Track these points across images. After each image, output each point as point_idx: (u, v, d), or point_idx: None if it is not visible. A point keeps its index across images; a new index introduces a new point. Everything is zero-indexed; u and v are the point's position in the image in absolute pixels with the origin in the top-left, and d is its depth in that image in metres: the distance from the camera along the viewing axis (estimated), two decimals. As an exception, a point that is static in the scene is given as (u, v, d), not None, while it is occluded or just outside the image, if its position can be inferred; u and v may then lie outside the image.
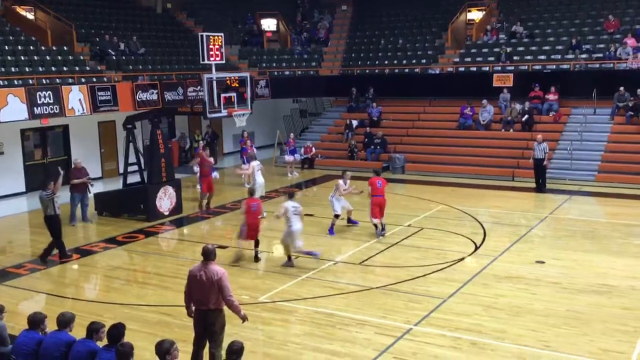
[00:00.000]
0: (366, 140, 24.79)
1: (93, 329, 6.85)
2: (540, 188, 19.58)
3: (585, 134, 22.22)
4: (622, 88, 22.45)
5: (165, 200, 16.99)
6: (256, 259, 13.03)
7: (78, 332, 7.00)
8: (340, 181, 15.32)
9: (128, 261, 13.72)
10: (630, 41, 23.63)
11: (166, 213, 16.95)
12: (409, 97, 26.55)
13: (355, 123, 25.82)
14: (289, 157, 23.34)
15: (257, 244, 13.16)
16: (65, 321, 7.00)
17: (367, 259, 13.03)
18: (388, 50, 28.74)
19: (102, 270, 13.10)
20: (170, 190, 17.12)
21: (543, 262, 12.52)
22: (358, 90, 27.24)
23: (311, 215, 16.35)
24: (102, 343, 6.74)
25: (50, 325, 7.17)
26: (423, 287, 11.17)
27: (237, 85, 17.59)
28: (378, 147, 24.36)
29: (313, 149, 24.83)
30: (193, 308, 7.91)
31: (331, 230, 15.07)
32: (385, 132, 24.99)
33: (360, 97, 27.23)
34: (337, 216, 15.15)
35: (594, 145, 21.80)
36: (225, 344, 6.50)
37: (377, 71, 27.83)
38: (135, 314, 9.93)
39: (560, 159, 21.66)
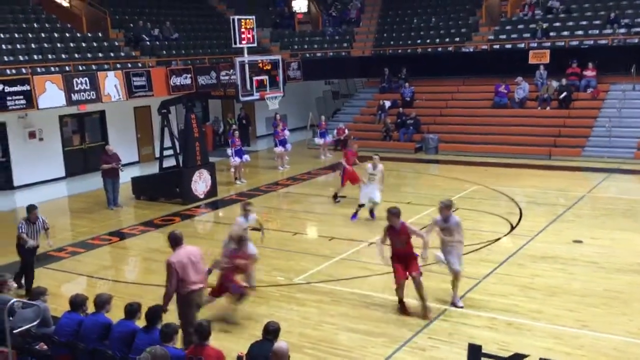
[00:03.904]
0: (399, 120, 24.62)
1: (133, 310, 7.02)
2: None
3: (624, 111, 21.69)
4: (662, 63, 21.81)
5: (200, 183, 17.20)
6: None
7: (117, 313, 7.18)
8: (369, 164, 14.65)
9: (165, 244, 13.87)
10: (672, 14, 22.89)
11: (201, 196, 17.17)
12: (442, 76, 26.23)
13: (388, 104, 25.64)
14: (319, 140, 23.33)
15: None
16: (101, 302, 7.19)
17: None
18: (421, 29, 28.39)
19: (141, 252, 13.37)
20: (205, 173, 17.32)
21: (580, 242, 12.35)
22: (390, 71, 27.01)
23: (344, 197, 16.36)
24: (140, 323, 6.91)
25: (92, 307, 7.37)
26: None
27: (269, 68, 17.62)
28: (411, 127, 24.19)
29: (346, 130, 24.75)
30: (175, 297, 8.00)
31: (354, 216, 14.64)
32: (418, 112, 24.77)
33: (393, 78, 27.00)
34: (360, 206, 14.57)
35: (633, 122, 21.26)
36: (260, 325, 6.60)
37: (409, 51, 27.51)
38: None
39: (599, 136, 21.21)
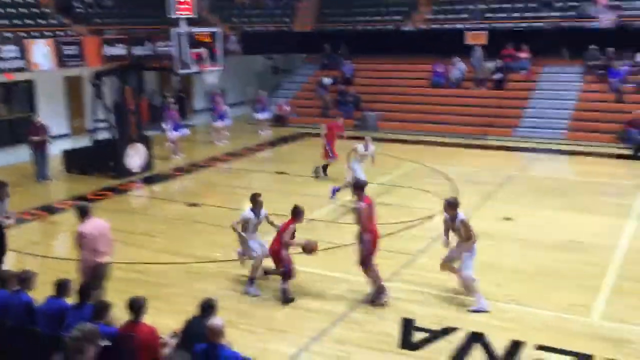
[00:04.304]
0: (339, 98, 24.65)
1: (62, 287, 6.79)
2: None
3: (555, 93, 22.40)
4: (592, 47, 22.58)
5: (135, 157, 16.77)
6: None
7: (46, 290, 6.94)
8: (360, 145, 14.22)
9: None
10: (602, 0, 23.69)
11: (136, 170, 16.75)
12: (382, 54, 26.36)
13: (328, 81, 25.61)
14: (260, 115, 23.12)
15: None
16: (22, 280, 6.92)
17: (338, 216, 13.09)
18: (362, 7, 28.38)
19: (72, 227, 12.89)
20: (140, 147, 16.88)
21: (511, 219, 12.71)
22: (331, 48, 26.95)
23: (283, 173, 16.31)
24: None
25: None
26: (393, 243, 11.26)
27: (207, 40, 17.23)
28: (351, 104, 24.26)
29: (285, 106, 24.62)
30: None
31: (334, 193, 14.18)
32: (359, 89, 24.87)
33: (334, 54, 26.95)
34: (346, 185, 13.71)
35: (564, 103, 22.01)
36: (196, 301, 6.51)
37: (350, 28, 27.50)
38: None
39: (531, 117, 21.86)
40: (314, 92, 25.75)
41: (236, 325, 8.07)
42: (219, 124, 20.99)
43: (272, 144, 21.50)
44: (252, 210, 9.53)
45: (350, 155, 14.29)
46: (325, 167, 16.26)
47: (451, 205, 8.83)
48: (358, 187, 9.26)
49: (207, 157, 19.05)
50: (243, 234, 9.47)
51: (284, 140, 22.13)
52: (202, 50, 16.90)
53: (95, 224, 8.16)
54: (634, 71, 21.80)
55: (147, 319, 6.25)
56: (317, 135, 22.52)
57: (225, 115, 21.13)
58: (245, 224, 9.49)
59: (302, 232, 12.02)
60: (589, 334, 8.07)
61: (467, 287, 8.82)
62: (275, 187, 15.65)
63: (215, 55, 17.41)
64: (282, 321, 8.51)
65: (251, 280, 9.43)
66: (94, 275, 7.95)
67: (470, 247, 8.74)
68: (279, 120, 24.32)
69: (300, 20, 28.84)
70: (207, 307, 6.36)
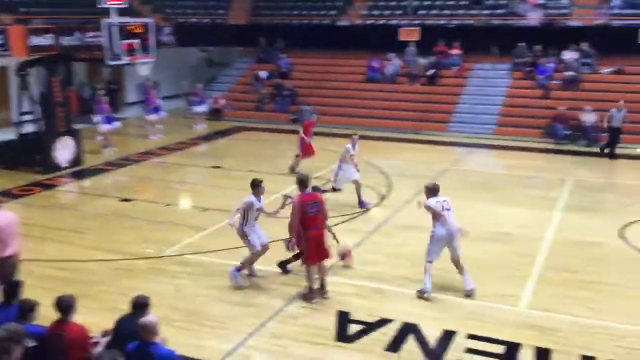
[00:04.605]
0: (275, 92, 24.56)
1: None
2: (613, 154, 18.34)
3: (485, 89, 23.03)
4: (521, 44, 23.32)
5: (63, 151, 16.22)
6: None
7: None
8: (348, 145, 13.49)
9: (24, 215, 13.00)
10: (530, -2, 24.52)
11: (65, 165, 16.21)
12: (318, 49, 26.42)
13: (264, 74, 25.47)
14: (196, 108, 22.77)
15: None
16: None
17: (276, 211, 13.03)
18: (297, 0, 28.33)
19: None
20: (68, 140, 16.34)
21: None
22: (267, 41, 26.81)
23: (219, 167, 16.13)
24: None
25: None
26: (329, 238, 11.30)
27: (139, 31, 16.81)
28: (287, 99, 24.22)
29: (221, 100, 24.35)
30: None
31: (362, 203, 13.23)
32: (295, 84, 24.84)
33: (270, 48, 26.82)
34: (335, 190, 13.41)
35: (494, 99, 22.65)
36: (127, 299, 6.35)
37: (286, 21, 27.42)
38: (32, 269, 9.50)
39: (463, 112, 22.40)
40: (250, 86, 25.56)
41: (170, 323, 7.93)
42: (152, 117, 20.54)
43: (207, 138, 21.22)
44: (254, 195, 9.26)
45: (343, 156, 13.52)
46: (292, 168, 15.72)
47: (431, 190, 9.32)
48: (298, 181, 9.23)
49: (140, 151, 18.63)
50: (245, 229, 9.23)
51: (220, 134, 21.89)
52: (134, 42, 16.49)
53: (5, 215, 7.93)
54: (560, 68, 22.65)
55: (77, 317, 6.06)
56: (253, 129, 22.47)
57: (159, 108, 20.71)
58: (248, 210, 9.18)
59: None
60: (518, 323, 8.36)
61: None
62: (210, 182, 15.48)
63: (148, 46, 17.02)
64: (218, 317, 8.42)
65: (239, 269, 9.33)
66: (2, 270, 7.69)
67: (431, 237, 9.25)
68: (214, 114, 24.03)
69: (236, 12, 28.54)
70: (140, 305, 6.20)
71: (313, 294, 8.91)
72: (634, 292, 9.29)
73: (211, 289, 9.20)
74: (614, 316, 8.48)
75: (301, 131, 15.98)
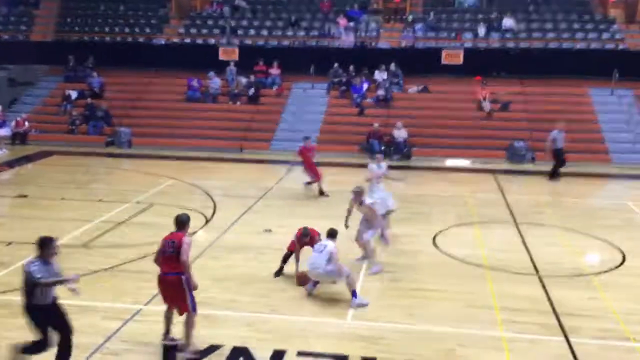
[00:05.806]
0: (88, 113, 23.16)
1: None
2: (557, 174, 18.61)
3: (305, 107, 23.64)
4: (336, 64, 24.30)
5: None
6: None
7: None
8: (373, 164, 13.45)
9: None
10: (342, 21, 25.67)
11: None
12: (133, 67, 25.41)
13: (74, 94, 23.93)
14: (-2, 132, 20.75)
15: None
16: None
17: (92, 240, 12.16)
18: (108, 17, 27.12)
19: None
20: None
21: (270, 230, 12.96)
22: (76, 59, 25.26)
23: (24, 196, 14.73)
24: None
25: None
26: (149, 266, 10.73)
27: None
28: (101, 120, 22.95)
29: (26, 122, 22.43)
30: None
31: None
32: (109, 104, 23.63)
33: (79, 66, 25.30)
34: (389, 212, 12.33)
35: (314, 117, 23.30)
36: None
37: (96, 39, 26.09)
38: None
39: (284, 130, 22.74)
40: (59, 107, 23.85)
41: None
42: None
43: (10, 164, 19.36)
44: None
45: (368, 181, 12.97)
46: (321, 189, 16.06)
47: (357, 194, 10.62)
48: (176, 220, 8.52)
49: None
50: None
51: (25, 159, 20.09)
52: None
53: None
54: (372, 87, 23.93)
55: None
56: (65, 153, 20.91)
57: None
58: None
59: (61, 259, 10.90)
60: (345, 335, 8.48)
61: (367, 251, 10.74)
62: (14, 213, 14.06)
63: None
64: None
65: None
66: None
67: (375, 226, 10.69)
68: (18, 138, 22.04)
69: (40, 28, 26.58)
70: None
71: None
72: (450, 296, 9.88)
73: (18, 331, 8.21)
74: (433, 320, 8.94)
75: (302, 159, 16.24)
